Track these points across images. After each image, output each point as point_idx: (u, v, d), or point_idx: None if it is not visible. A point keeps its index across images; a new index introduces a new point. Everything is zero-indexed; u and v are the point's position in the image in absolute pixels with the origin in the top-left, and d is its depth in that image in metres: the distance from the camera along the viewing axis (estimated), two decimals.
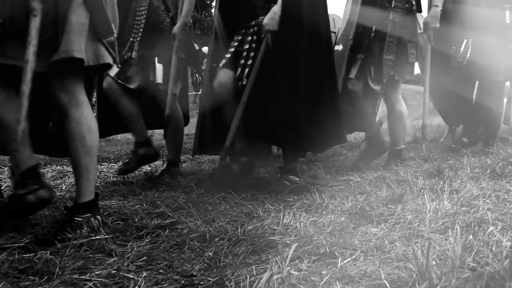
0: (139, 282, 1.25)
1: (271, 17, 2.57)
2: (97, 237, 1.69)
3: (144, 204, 2.28)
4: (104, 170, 3.67)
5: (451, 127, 4.94)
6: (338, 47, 3.43)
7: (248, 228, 1.73)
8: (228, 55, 2.77)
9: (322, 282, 1.22)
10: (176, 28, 2.91)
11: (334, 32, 3.72)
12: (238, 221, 1.89)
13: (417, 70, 4.10)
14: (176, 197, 2.41)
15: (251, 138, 2.78)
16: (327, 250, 1.47)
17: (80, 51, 1.67)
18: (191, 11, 2.94)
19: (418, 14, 3.35)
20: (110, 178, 3.31)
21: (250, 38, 2.75)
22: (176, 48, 2.93)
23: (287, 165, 2.77)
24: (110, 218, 1.99)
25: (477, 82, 3.86)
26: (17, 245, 1.62)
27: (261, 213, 2.02)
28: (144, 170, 3.37)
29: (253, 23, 2.75)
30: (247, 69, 2.70)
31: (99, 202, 2.31)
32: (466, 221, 1.68)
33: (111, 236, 1.72)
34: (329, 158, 4.16)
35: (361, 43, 3.21)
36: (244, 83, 2.69)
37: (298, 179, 2.71)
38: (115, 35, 1.82)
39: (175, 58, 2.95)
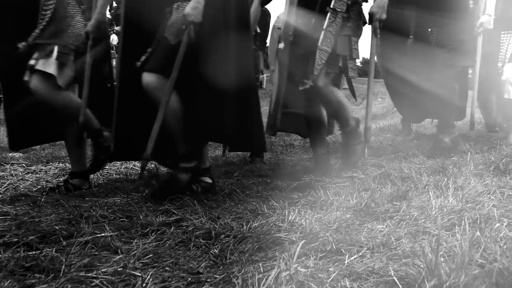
0: (146, 279, 1.25)
1: (195, 7, 2.24)
2: (102, 234, 1.69)
3: (148, 201, 2.28)
4: (107, 167, 3.67)
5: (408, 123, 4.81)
6: (281, 45, 3.09)
7: (254, 225, 1.73)
8: (149, 49, 2.41)
9: (329, 279, 1.22)
10: (89, 26, 2.62)
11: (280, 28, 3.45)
12: (243, 218, 1.89)
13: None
14: (180, 194, 2.40)
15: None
16: (334, 247, 1.46)
17: None
18: (106, 7, 2.68)
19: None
20: (113, 175, 3.31)
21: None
22: (89, 48, 2.63)
23: None
24: (115, 215, 1.99)
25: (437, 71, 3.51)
26: (22, 242, 1.61)
27: (266, 210, 2.01)
28: (147, 167, 3.37)
29: (167, 9, 2.40)
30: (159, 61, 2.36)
31: (103, 200, 2.32)
32: (472, 217, 1.68)
33: (116, 233, 1.71)
34: (331, 154, 4.14)
35: (302, 38, 2.87)
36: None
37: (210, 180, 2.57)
38: None
39: (90, 60, 2.64)
